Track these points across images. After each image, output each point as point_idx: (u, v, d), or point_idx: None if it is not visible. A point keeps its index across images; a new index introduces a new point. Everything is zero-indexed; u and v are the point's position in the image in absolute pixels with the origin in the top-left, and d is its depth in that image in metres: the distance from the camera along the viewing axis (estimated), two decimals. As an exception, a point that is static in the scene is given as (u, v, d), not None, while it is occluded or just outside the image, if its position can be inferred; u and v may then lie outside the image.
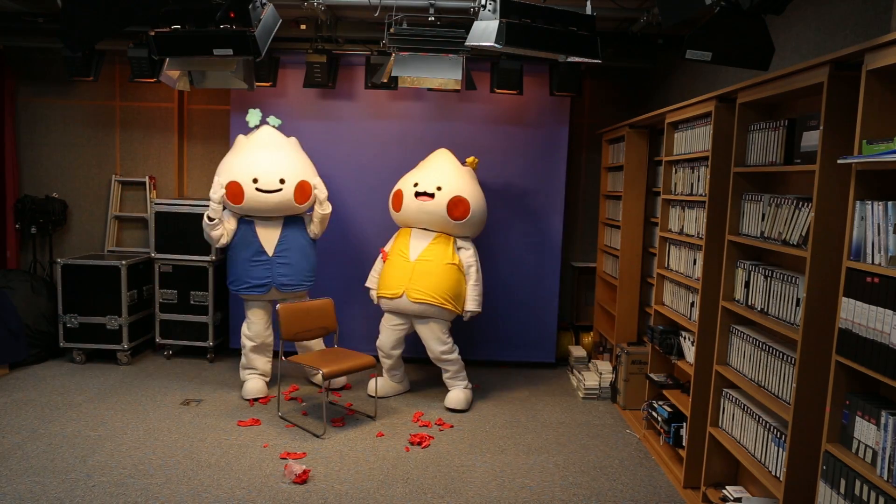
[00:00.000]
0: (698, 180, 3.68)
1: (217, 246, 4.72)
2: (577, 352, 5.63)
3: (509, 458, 3.95)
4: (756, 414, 2.97)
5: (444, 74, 4.35)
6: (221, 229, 4.61)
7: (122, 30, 3.36)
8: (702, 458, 3.45)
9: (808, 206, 2.62)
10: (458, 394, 4.72)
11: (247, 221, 4.73)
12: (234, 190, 4.59)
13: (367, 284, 5.00)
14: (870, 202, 2.12)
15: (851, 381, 2.25)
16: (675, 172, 4.06)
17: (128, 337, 5.42)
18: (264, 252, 4.68)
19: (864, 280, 2.11)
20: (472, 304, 4.75)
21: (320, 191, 4.78)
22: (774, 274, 2.87)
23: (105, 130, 6.07)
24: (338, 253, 5.66)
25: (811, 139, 2.62)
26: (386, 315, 4.85)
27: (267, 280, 4.68)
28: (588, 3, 3.23)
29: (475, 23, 3.08)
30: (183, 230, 5.47)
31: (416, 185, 4.74)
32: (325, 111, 5.61)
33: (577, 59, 3.32)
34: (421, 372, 5.52)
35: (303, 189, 4.71)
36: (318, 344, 5.00)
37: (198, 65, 4.20)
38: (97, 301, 5.38)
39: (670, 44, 5.01)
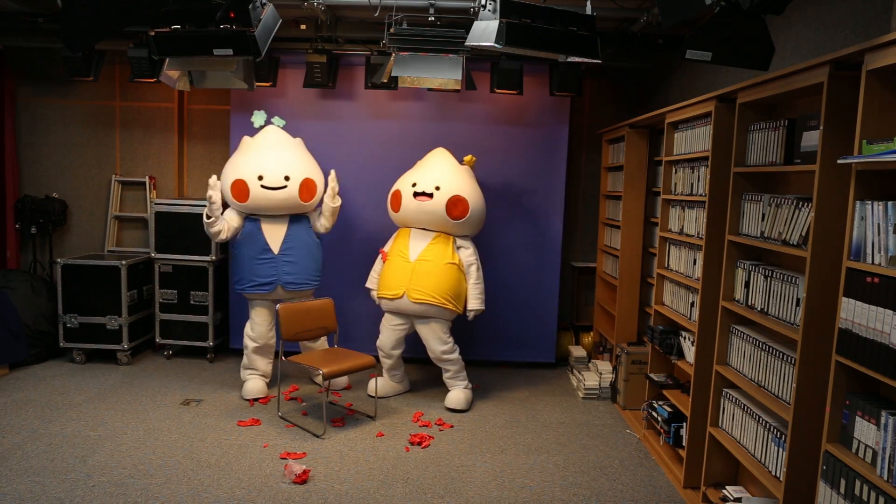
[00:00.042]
0: (698, 180, 3.69)
1: (216, 241, 4.72)
2: (577, 352, 5.63)
3: (509, 458, 3.95)
4: (756, 414, 2.97)
5: (444, 74, 4.35)
6: (220, 225, 4.61)
7: (122, 30, 3.36)
8: (702, 458, 3.45)
9: (808, 206, 2.62)
10: (458, 394, 4.72)
11: (253, 220, 4.74)
12: (239, 188, 4.61)
13: (368, 285, 5.00)
14: (870, 202, 2.12)
15: (851, 381, 2.25)
16: (675, 172, 4.06)
17: (128, 337, 5.42)
18: (270, 250, 4.69)
19: (864, 280, 2.11)
20: (474, 302, 4.75)
21: (335, 183, 4.80)
22: (774, 274, 2.87)
23: (105, 130, 6.07)
24: (337, 253, 5.66)
25: (811, 139, 2.62)
26: (386, 315, 4.85)
27: (273, 278, 4.68)
28: (588, 3, 3.23)
29: (475, 23, 3.08)
30: (183, 230, 5.47)
31: (414, 185, 4.74)
32: (325, 111, 5.61)
33: (577, 59, 3.32)
34: (421, 372, 5.52)
35: (308, 186, 4.73)
36: (322, 344, 5.00)
37: (198, 65, 4.19)
38: (97, 301, 5.38)
39: (670, 44, 5.00)
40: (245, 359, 4.87)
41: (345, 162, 5.59)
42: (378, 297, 4.82)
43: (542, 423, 4.54)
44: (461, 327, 5.42)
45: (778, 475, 2.74)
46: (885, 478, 2.01)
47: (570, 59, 3.33)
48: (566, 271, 6.09)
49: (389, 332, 4.81)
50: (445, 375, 4.80)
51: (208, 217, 4.54)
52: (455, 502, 3.40)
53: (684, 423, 3.69)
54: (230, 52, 3.48)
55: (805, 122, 2.69)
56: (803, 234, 2.63)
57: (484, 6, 3.01)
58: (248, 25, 3.39)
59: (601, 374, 5.12)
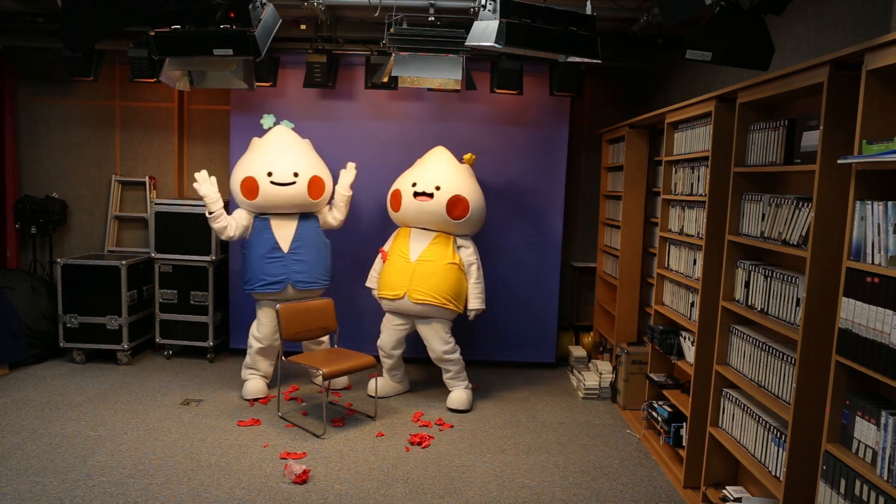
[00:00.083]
0: (698, 180, 3.69)
1: (223, 238, 4.70)
2: (577, 352, 5.63)
3: (509, 458, 3.95)
4: (756, 414, 2.97)
5: (444, 74, 4.35)
6: (223, 221, 4.60)
7: (122, 30, 3.36)
8: (702, 458, 3.45)
9: (808, 206, 2.61)
10: (459, 394, 4.72)
11: (262, 219, 4.74)
12: (249, 185, 4.61)
13: (368, 284, 5.00)
14: (870, 202, 2.12)
15: (851, 381, 2.25)
16: (675, 172, 4.06)
17: (128, 337, 5.42)
18: (279, 248, 4.68)
19: (864, 280, 2.11)
20: (475, 301, 4.76)
21: (354, 173, 4.96)
22: (774, 274, 2.87)
23: (105, 130, 6.07)
24: (337, 252, 5.66)
25: (811, 139, 2.62)
26: (387, 315, 4.85)
27: (282, 277, 4.67)
28: (588, 3, 3.23)
29: (475, 23, 3.08)
30: (183, 230, 5.48)
31: (414, 184, 4.74)
32: (325, 111, 5.61)
33: (577, 59, 3.32)
34: (421, 372, 5.52)
35: (316, 184, 4.74)
36: (325, 343, 5.00)
37: (198, 65, 4.19)
38: (97, 301, 5.38)
39: (670, 44, 5.00)
40: (248, 358, 4.87)
41: (345, 162, 5.58)
42: (378, 297, 4.82)
43: (542, 423, 4.54)
44: (461, 327, 5.42)
45: (778, 475, 2.74)
46: (885, 478, 2.01)
47: (570, 59, 3.33)
48: (566, 271, 6.09)
49: (390, 332, 4.81)
50: (446, 376, 4.80)
51: (210, 213, 4.54)
52: (455, 502, 3.40)
53: (684, 423, 3.69)
54: (230, 52, 3.48)
55: (805, 122, 2.69)
56: (803, 234, 2.63)
57: (484, 6, 3.01)
58: (248, 25, 3.40)
59: (601, 374, 5.12)
